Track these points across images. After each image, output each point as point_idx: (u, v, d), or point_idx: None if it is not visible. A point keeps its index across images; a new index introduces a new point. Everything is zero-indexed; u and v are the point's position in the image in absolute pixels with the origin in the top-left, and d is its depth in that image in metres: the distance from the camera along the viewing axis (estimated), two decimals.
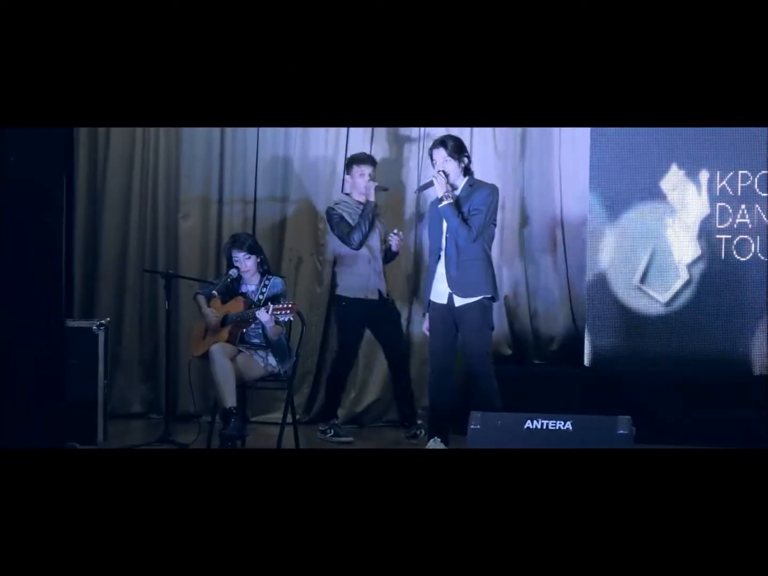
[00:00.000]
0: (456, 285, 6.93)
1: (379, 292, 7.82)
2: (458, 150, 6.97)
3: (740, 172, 8.06)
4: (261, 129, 8.71)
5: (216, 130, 8.74)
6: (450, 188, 6.95)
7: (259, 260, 7.40)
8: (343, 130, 8.67)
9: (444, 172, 6.94)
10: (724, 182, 8.11)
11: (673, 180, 8.15)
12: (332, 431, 7.89)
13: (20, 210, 6.35)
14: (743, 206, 8.08)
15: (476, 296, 6.93)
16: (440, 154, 6.96)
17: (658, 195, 8.16)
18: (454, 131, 7.70)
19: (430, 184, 7.03)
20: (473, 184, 7.01)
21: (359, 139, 8.68)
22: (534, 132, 8.58)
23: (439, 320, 7.05)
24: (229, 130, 8.75)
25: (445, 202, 6.91)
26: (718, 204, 8.12)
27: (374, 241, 7.81)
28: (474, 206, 6.91)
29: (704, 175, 8.13)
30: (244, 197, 8.76)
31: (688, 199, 8.16)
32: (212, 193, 8.80)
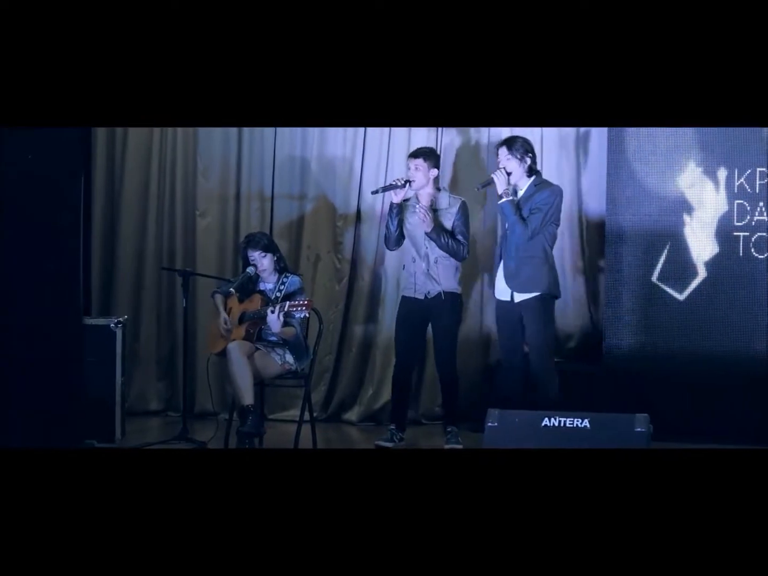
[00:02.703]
0: (512, 280, 7.14)
1: (427, 292, 7.51)
2: (521, 150, 7.17)
3: (758, 169, 8.01)
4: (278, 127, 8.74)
5: (233, 128, 8.76)
6: (510, 186, 7.14)
7: (275, 258, 7.44)
8: (361, 128, 8.69)
9: (505, 169, 7.13)
10: (742, 179, 8.06)
11: (691, 177, 8.13)
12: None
13: (38, 209, 6.38)
14: (761, 204, 8.03)
15: (533, 292, 7.11)
16: (503, 152, 7.19)
17: (676, 192, 8.14)
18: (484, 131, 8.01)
19: (491, 181, 7.21)
20: (538, 184, 7.20)
21: (377, 138, 8.70)
22: (551, 130, 8.58)
23: (504, 318, 7.26)
24: (246, 128, 8.77)
25: (504, 199, 7.12)
26: (736, 201, 8.07)
27: (420, 240, 7.58)
28: (534, 205, 7.11)
29: (722, 173, 8.09)
30: (262, 195, 8.76)
31: (706, 196, 8.12)
32: (230, 190, 8.82)
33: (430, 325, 7.62)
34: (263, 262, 7.37)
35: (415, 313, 7.54)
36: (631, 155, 8.20)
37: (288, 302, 7.10)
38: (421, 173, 7.49)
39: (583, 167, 8.65)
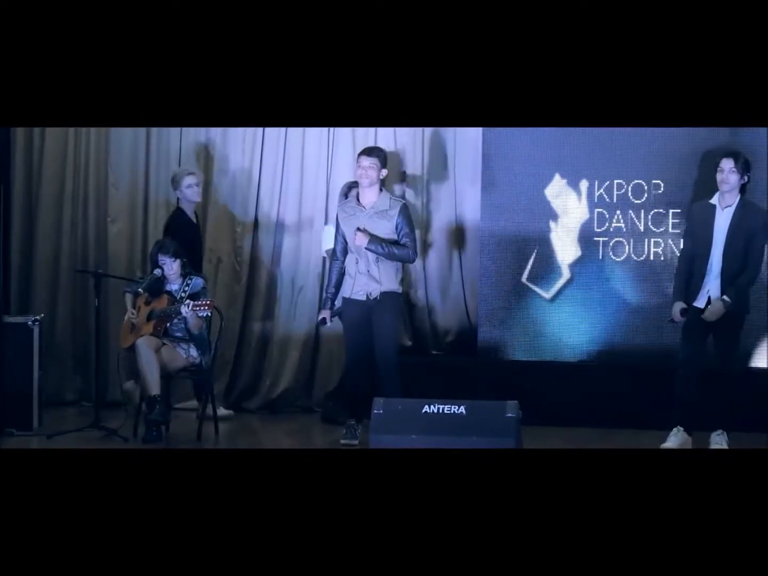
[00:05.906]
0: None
1: (369, 293, 7.39)
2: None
3: (615, 181, 8.41)
4: (183, 137, 8.98)
5: (142, 137, 8.98)
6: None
7: (182, 263, 7.78)
8: (259, 140, 9.02)
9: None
10: (601, 190, 8.46)
11: (557, 188, 8.51)
12: (347, 431, 7.49)
13: None
14: (618, 212, 8.47)
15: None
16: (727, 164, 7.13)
17: (544, 201, 8.51)
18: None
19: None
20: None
21: (273, 146, 9.01)
22: (433, 138, 8.90)
23: (690, 325, 7.22)
24: (154, 138, 9.01)
25: None
26: (596, 210, 8.49)
27: None
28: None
29: (584, 184, 8.47)
30: (168, 203, 8.98)
31: (570, 205, 8.54)
32: (138, 199, 9.06)
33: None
34: (173, 266, 7.70)
35: (359, 314, 7.40)
36: (504, 166, 8.56)
37: (192, 302, 7.42)
38: (375, 172, 7.33)
39: (459, 174, 8.94)
